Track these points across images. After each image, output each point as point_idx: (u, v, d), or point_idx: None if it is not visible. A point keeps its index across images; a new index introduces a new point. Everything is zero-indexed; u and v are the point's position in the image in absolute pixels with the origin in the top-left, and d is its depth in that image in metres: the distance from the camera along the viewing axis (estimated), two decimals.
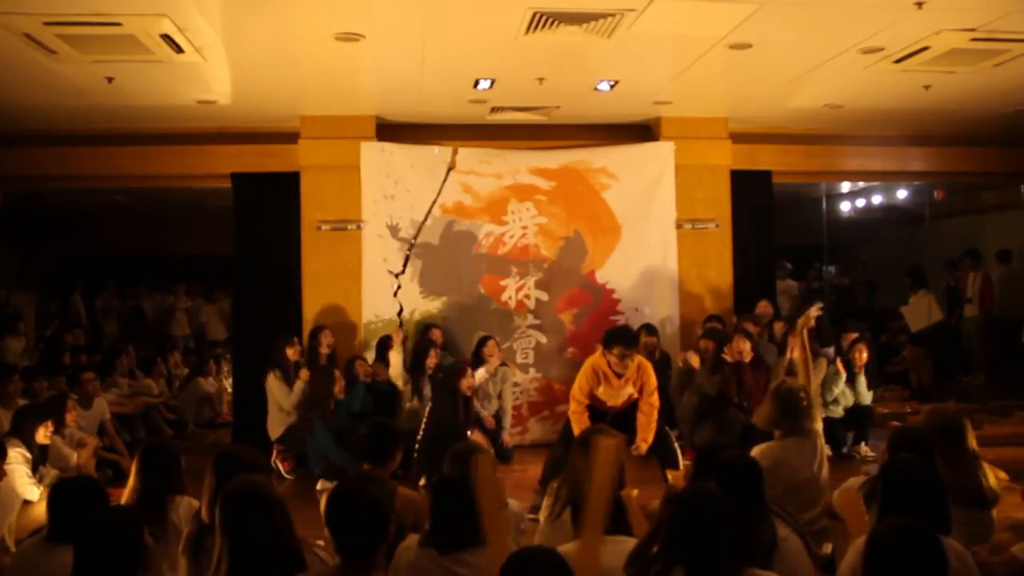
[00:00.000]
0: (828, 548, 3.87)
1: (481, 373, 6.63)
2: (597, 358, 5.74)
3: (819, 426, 4.25)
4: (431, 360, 6.81)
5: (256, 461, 3.20)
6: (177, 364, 9.46)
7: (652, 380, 5.77)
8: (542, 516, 3.43)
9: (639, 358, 5.73)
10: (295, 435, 6.56)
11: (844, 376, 6.83)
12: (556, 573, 2.13)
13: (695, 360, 6.71)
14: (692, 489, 2.62)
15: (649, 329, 7.21)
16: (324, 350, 6.87)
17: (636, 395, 5.72)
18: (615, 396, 5.73)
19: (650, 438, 5.67)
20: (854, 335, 7.27)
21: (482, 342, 6.91)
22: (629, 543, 2.83)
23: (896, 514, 2.54)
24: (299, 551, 2.50)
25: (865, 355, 6.89)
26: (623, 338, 5.67)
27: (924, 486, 2.78)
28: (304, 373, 6.63)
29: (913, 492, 2.75)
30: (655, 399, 5.76)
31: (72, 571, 2.39)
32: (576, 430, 5.59)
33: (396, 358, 6.88)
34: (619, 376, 5.63)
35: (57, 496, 3.00)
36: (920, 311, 9.22)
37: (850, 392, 6.89)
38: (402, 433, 3.76)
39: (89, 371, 6.88)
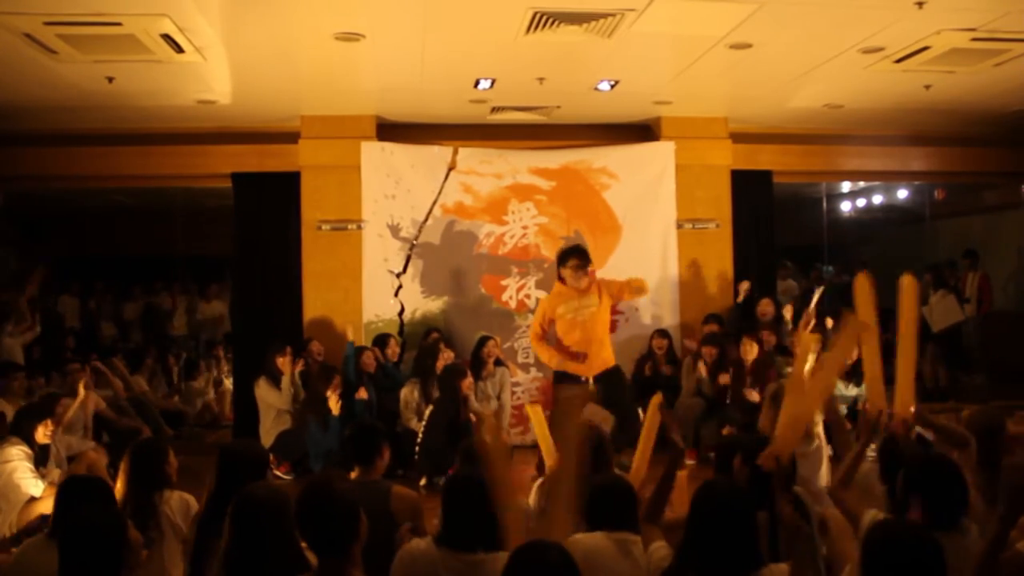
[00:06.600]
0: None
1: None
2: (555, 287, 6.15)
3: (820, 429, 4.23)
4: (440, 363, 6.52)
5: (259, 455, 3.24)
6: (189, 364, 9.44)
7: (615, 283, 6.21)
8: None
9: (593, 273, 6.15)
10: (287, 440, 6.52)
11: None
12: (562, 566, 2.10)
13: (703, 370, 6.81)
14: (708, 485, 2.45)
15: (661, 333, 7.35)
16: (316, 358, 6.88)
17: (602, 309, 6.01)
18: (578, 310, 5.95)
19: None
20: None
21: (482, 343, 6.87)
22: (631, 543, 2.82)
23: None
24: (304, 557, 2.50)
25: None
26: (574, 250, 6.09)
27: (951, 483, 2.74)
28: (285, 365, 6.61)
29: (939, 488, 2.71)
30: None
31: (59, 571, 2.38)
32: (540, 353, 6.20)
33: (407, 391, 6.65)
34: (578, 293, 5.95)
35: (63, 493, 3.01)
36: (942, 311, 9.19)
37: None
38: (386, 432, 3.70)
39: (75, 362, 6.74)
